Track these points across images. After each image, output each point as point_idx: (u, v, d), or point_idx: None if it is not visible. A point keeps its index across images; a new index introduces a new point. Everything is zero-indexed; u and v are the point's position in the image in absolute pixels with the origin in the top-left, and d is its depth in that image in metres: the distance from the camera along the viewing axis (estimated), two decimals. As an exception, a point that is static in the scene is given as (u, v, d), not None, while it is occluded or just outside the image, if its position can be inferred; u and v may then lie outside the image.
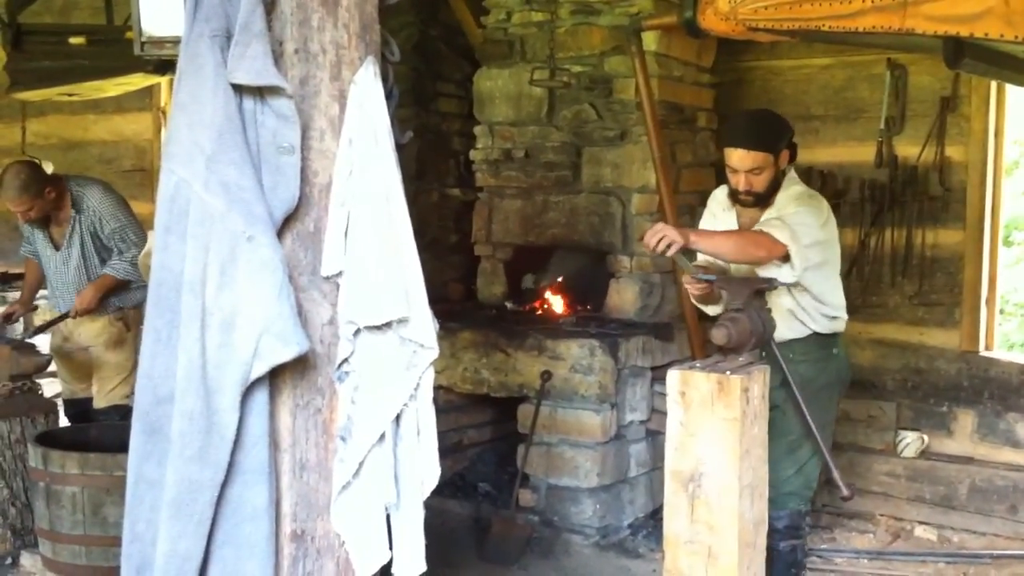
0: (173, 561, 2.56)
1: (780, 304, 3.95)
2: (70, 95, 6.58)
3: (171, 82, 7.45)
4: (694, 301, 4.33)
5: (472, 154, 6.33)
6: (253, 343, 2.52)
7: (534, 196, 6.07)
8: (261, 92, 2.62)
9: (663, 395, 4.95)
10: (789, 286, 3.89)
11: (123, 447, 3.80)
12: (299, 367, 2.67)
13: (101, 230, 5.40)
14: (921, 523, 5.55)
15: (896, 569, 5.02)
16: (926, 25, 3.50)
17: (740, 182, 4.01)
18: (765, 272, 3.83)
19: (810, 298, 4.01)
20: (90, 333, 5.52)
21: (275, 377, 2.64)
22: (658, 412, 5.48)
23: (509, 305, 6.15)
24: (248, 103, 2.62)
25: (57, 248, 5.48)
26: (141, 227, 5.55)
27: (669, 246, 3.61)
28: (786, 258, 3.80)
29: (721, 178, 4.22)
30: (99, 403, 5.54)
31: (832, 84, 6.14)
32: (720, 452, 3.26)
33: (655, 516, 5.43)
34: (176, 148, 2.60)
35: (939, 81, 5.76)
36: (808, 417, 3.70)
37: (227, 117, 2.56)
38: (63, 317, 5.47)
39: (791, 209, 3.93)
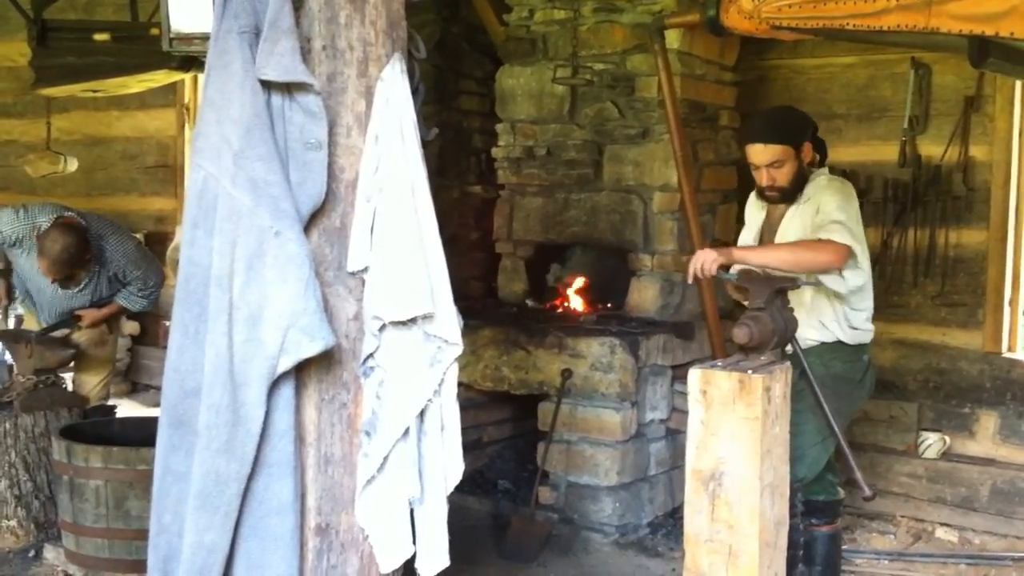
0: (199, 553, 2.59)
1: (807, 307, 3.94)
2: (94, 91, 6.62)
3: (195, 79, 7.54)
4: (733, 296, 4.33)
5: (494, 151, 6.34)
6: (279, 338, 2.54)
7: (555, 194, 6.07)
8: (289, 88, 2.64)
9: (683, 394, 4.95)
10: (813, 287, 3.88)
11: (146, 441, 3.86)
12: (325, 362, 2.69)
13: (123, 277, 5.42)
14: (942, 525, 5.53)
15: (917, 571, 5.00)
16: (951, 24, 3.48)
17: (763, 177, 4.02)
18: (831, 280, 3.82)
19: (857, 305, 3.99)
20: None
21: (301, 372, 2.66)
22: (678, 411, 5.48)
23: (530, 303, 6.16)
24: (276, 99, 2.64)
25: (63, 286, 5.40)
26: (158, 265, 5.66)
27: (709, 267, 3.65)
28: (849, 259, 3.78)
29: (743, 177, 4.22)
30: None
31: (855, 83, 6.12)
32: (741, 451, 3.25)
33: (675, 515, 5.43)
34: (204, 144, 2.62)
35: (963, 80, 5.74)
36: (824, 405, 3.68)
37: (255, 113, 2.58)
38: (66, 324, 5.48)
39: (833, 202, 3.91)
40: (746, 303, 4.18)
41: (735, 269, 3.99)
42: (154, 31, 5.39)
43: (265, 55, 2.59)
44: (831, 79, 6.18)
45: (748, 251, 3.83)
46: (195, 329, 2.62)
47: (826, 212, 3.90)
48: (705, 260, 3.68)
